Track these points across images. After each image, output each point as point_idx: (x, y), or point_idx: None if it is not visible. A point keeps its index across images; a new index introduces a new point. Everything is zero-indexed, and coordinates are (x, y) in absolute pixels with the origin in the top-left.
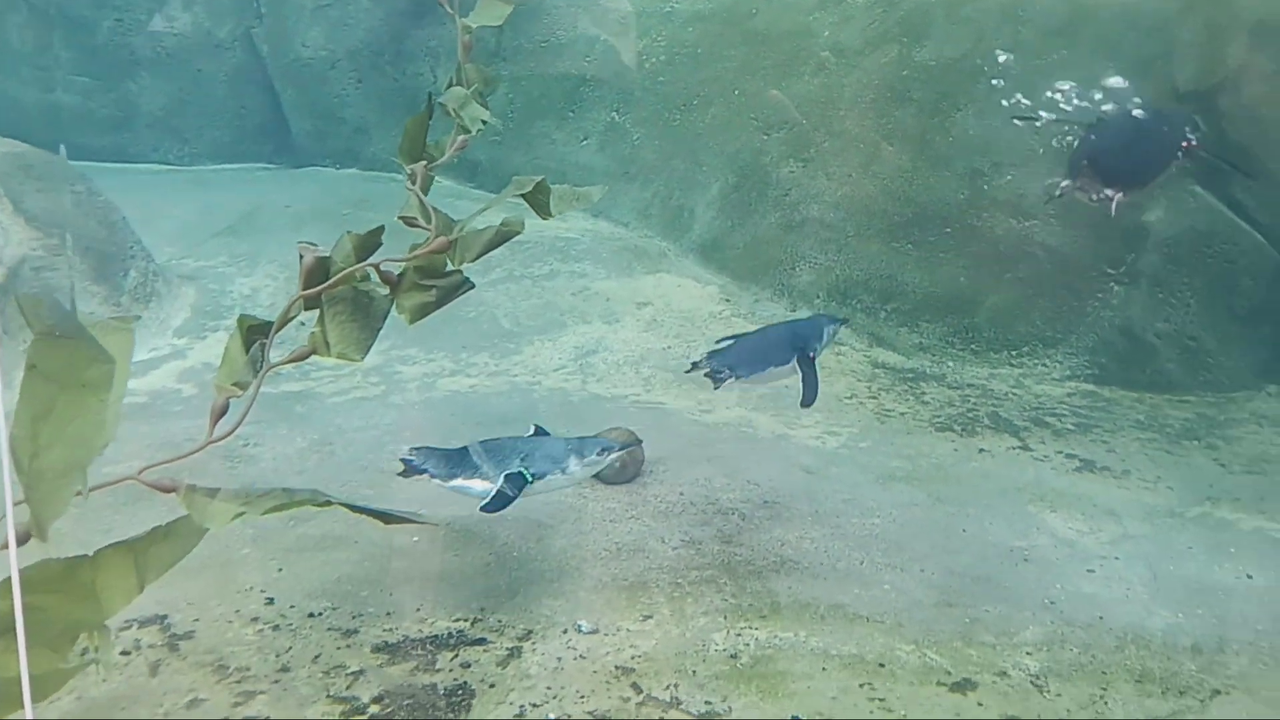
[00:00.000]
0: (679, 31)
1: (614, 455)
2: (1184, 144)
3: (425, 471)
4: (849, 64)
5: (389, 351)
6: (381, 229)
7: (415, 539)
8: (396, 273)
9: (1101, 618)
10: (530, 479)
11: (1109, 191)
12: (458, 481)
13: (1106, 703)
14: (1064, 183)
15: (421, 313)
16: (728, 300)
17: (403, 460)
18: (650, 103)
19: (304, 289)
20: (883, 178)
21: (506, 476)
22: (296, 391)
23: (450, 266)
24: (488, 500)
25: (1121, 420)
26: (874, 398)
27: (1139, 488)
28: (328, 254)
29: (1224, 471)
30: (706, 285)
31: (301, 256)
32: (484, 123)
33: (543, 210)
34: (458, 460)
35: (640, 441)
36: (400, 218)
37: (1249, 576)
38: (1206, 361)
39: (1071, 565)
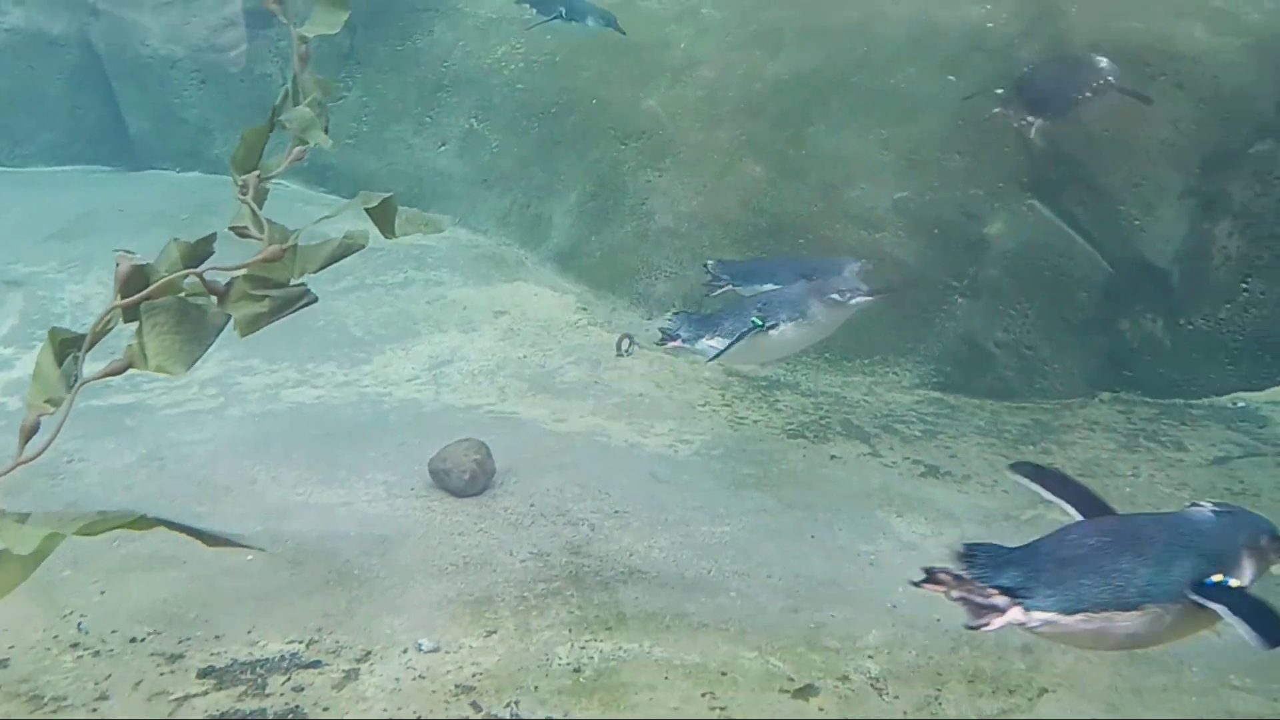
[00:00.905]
0: (538, 39)
1: (860, 300)
2: (1098, 83)
3: (677, 336)
4: (704, 76)
5: (229, 362)
6: (213, 237)
7: (249, 557)
8: (226, 282)
9: (939, 620)
10: (761, 325)
11: (1030, 118)
12: (703, 343)
13: (940, 703)
14: (996, 109)
15: (254, 325)
16: (585, 309)
17: (661, 330)
18: (509, 110)
19: (120, 299)
20: (738, 189)
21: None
22: (126, 404)
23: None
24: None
25: (964, 426)
26: (728, 405)
27: (978, 492)
28: (146, 262)
29: None
30: (564, 294)
31: (118, 265)
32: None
33: (387, 229)
34: (704, 323)
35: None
36: (231, 228)
37: None
38: (1043, 370)
39: (914, 569)
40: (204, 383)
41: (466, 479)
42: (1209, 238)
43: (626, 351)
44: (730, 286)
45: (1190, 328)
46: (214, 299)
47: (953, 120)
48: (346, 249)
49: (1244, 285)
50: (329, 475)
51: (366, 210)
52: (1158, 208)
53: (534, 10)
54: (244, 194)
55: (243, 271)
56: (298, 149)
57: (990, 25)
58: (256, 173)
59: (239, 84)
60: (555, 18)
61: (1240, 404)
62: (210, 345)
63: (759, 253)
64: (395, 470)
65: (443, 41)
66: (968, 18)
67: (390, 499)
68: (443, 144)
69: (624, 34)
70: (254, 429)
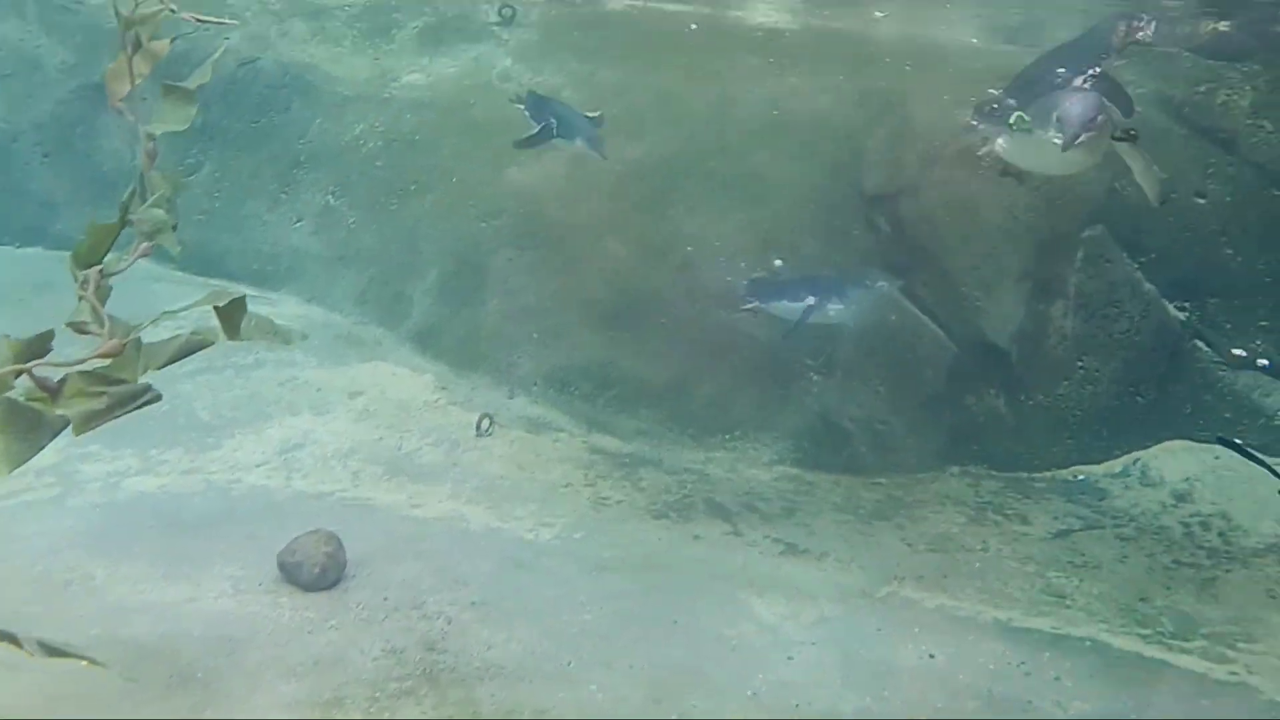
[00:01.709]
0: (397, 118)
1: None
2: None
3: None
4: (566, 157)
5: (68, 449)
6: (50, 334)
7: (82, 663)
8: (59, 379)
9: (798, 705)
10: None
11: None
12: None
13: None
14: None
15: (89, 423)
16: (444, 388)
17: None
18: (368, 187)
19: None
20: (600, 268)
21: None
22: None
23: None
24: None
25: (822, 503)
26: (590, 485)
27: (835, 569)
28: None
29: (910, 550)
30: (423, 374)
31: None
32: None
33: (232, 331)
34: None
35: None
36: (69, 325)
37: (931, 656)
38: (895, 445)
39: (774, 653)
40: (41, 471)
41: (317, 572)
42: (1045, 318)
43: (487, 431)
44: (758, 305)
45: (1031, 404)
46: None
47: (806, 204)
48: (194, 346)
49: (1080, 363)
50: (173, 570)
51: (215, 308)
52: (997, 290)
53: (527, 114)
54: (84, 289)
55: (77, 368)
56: (144, 245)
57: (837, 115)
58: (99, 268)
59: (84, 159)
60: (545, 130)
61: (1080, 477)
62: (43, 446)
63: (625, 333)
64: (243, 564)
65: (300, 118)
66: (817, 107)
67: (237, 595)
68: (298, 221)
69: (605, 159)
70: (94, 521)
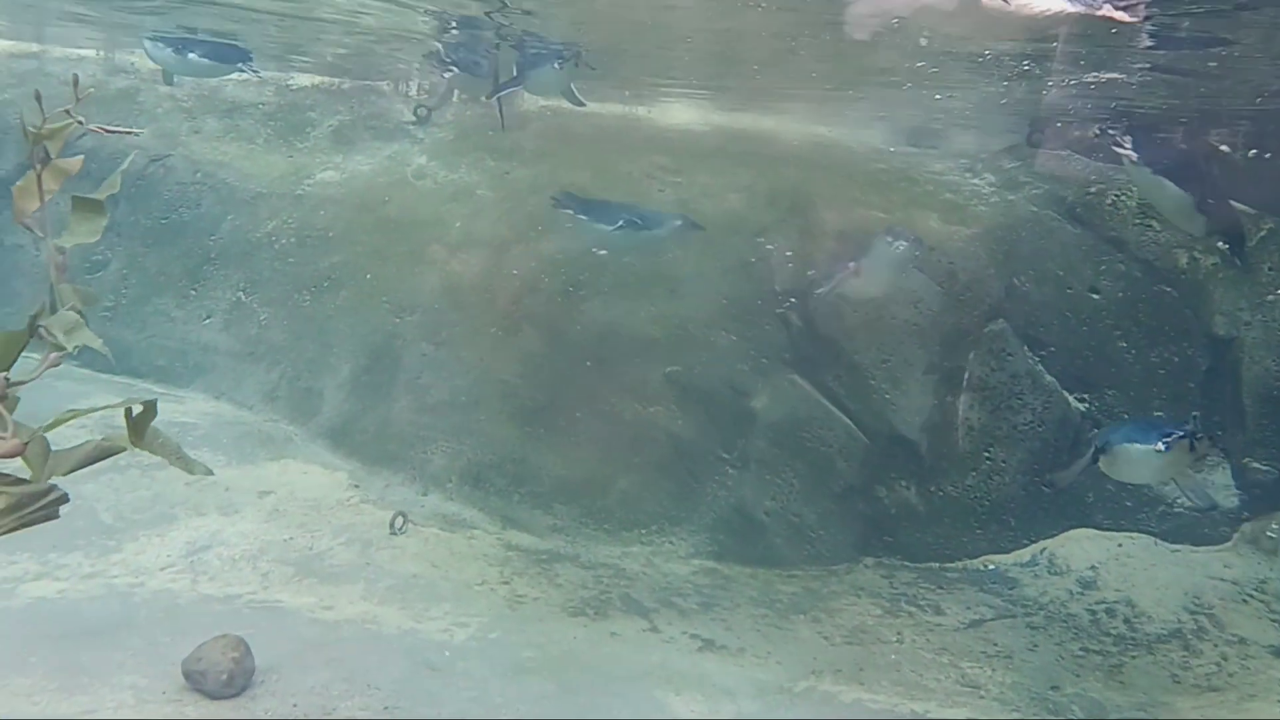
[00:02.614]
0: (310, 214)
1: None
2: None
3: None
4: (481, 253)
5: None
6: None
7: None
8: None
9: None
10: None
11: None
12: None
13: None
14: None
15: None
16: (357, 486)
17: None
18: (279, 283)
19: None
20: (515, 362)
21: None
22: None
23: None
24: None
25: (739, 597)
26: (506, 583)
27: (753, 664)
28: None
29: (827, 644)
30: (335, 471)
31: None
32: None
33: (137, 438)
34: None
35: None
36: None
37: None
38: (810, 536)
39: None
40: None
41: (224, 680)
42: (952, 410)
43: (401, 530)
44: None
45: (940, 495)
46: None
47: (717, 299)
48: (104, 452)
49: (986, 455)
50: (70, 681)
51: (125, 414)
52: (904, 382)
53: (573, 212)
54: None
55: None
56: (54, 355)
57: (748, 213)
58: (5, 376)
59: None
60: (630, 224)
61: (990, 566)
62: None
63: (540, 428)
64: (145, 672)
65: (211, 214)
66: (727, 206)
67: (140, 705)
68: (208, 317)
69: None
70: None
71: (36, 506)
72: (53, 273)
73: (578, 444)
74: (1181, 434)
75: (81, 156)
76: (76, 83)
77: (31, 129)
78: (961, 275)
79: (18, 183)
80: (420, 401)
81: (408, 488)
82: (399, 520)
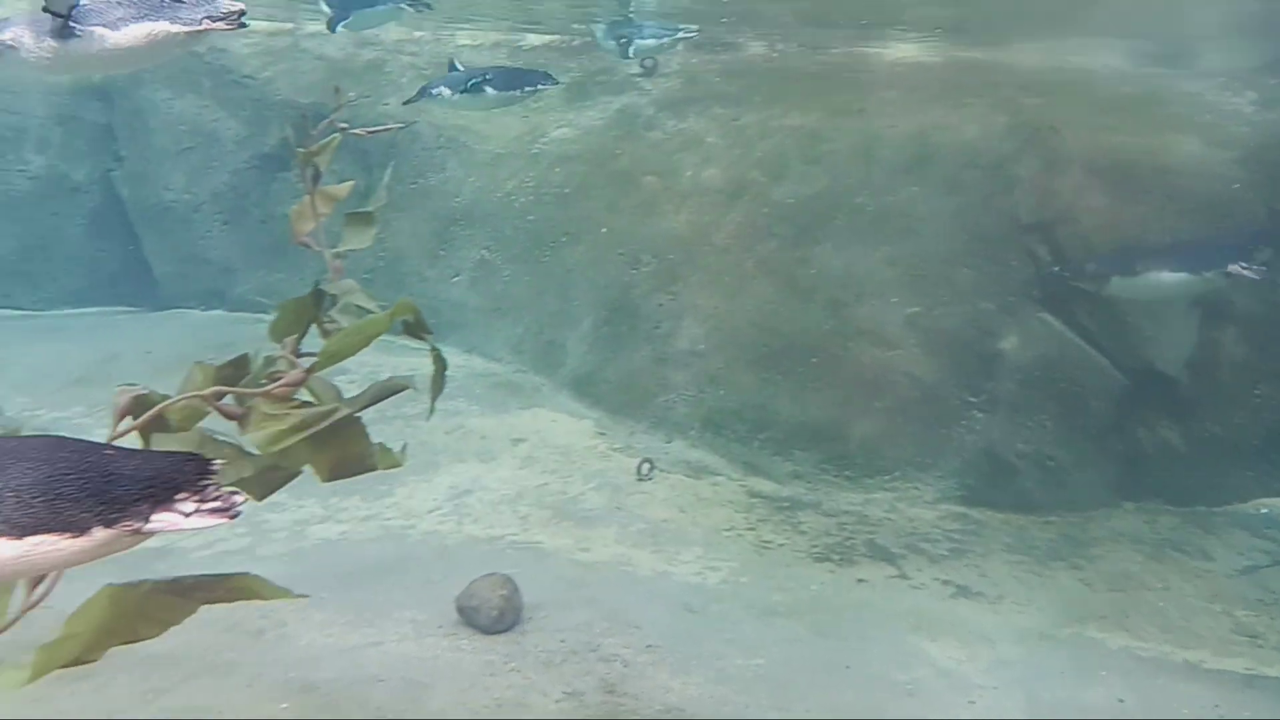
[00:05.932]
0: (546, 172)
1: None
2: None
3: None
4: (711, 202)
5: None
6: (245, 358)
7: (284, 705)
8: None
9: None
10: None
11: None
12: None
13: None
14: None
15: (274, 441)
16: (603, 434)
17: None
18: (520, 240)
19: (115, 433)
20: (749, 310)
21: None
22: (156, 548)
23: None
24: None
25: (992, 543)
26: (752, 529)
27: (1012, 611)
28: (145, 391)
29: (1089, 590)
30: (581, 419)
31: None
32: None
33: (439, 385)
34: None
35: None
36: (267, 373)
37: (1121, 701)
38: (1065, 480)
39: (953, 697)
40: (234, 522)
41: (495, 615)
42: (1216, 345)
43: (647, 476)
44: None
45: (1205, 434)
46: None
47: (957, 235)
48: (388, 390)
49: (1256, 392)
50: (357, 615)
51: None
52: (1163, 316)
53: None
54: (284, 350)
55: (263, 395)
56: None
57: (985, 145)
58: (296, 335)
59: (259, 225)
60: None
61: (1264, 510)
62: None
63: (778, 374)
64: (423, 608)
65: (454, 178)
66: (962, 138)
67: (419, 638)
68: (456, 275)
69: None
70: (283, 569)
71: (322, 425)
72: (331, 275)
73: (816, 390)
74: None
75: (352, 182)
76: (339, 92)
77: (300, 150)
78: (1217, 200)
79: (294, 207)
80: (659, 351)
81: (651, 435)
82: (645, 467)
